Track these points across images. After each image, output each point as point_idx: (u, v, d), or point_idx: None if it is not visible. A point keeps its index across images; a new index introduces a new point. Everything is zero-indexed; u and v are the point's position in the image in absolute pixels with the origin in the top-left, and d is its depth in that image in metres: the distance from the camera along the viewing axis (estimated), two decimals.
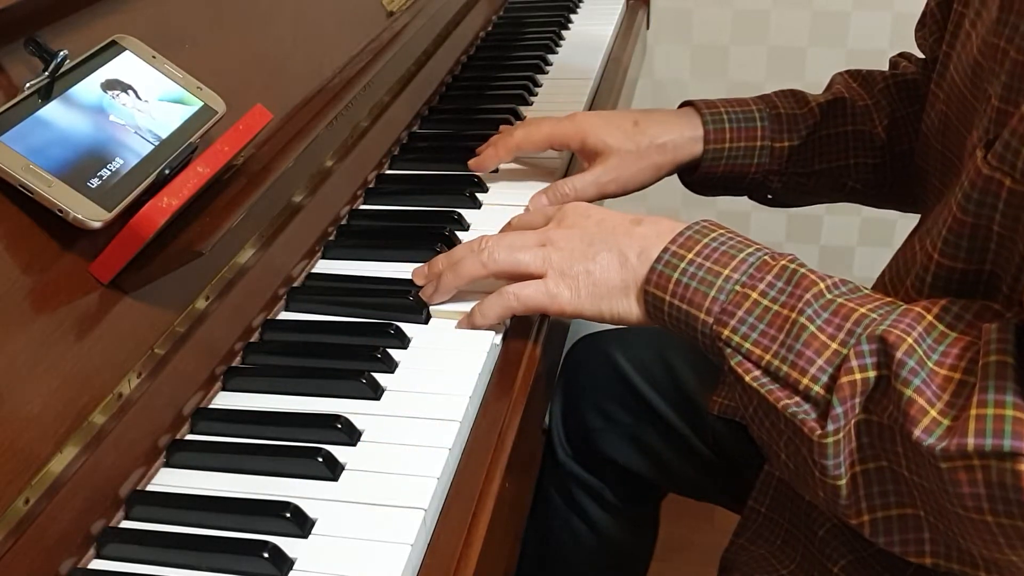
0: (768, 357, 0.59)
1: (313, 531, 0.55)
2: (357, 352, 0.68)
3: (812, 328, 0.58)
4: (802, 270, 0.61)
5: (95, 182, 0.57)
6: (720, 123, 0.88)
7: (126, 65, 0.64)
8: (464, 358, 0.67)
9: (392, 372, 0.66)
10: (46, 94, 0.58)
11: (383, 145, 0.94)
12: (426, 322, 0.72)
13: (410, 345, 0.69)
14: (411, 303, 0.72)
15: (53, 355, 0.54)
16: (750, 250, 0.64)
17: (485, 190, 0.89)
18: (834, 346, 0.57)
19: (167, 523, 0.56)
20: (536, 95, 1.10)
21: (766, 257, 0.63)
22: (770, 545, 0.76)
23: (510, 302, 0.68)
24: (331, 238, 0.82)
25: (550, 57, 1.20)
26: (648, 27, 1.47)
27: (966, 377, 0.53)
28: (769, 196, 0.94)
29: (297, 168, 0.73)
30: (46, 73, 0.58)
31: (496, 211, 0.86)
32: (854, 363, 0.55)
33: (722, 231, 0.67)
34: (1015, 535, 0.51)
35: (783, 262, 0.62)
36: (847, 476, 0.57)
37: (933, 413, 0.52)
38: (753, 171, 0.90)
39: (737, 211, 1.92)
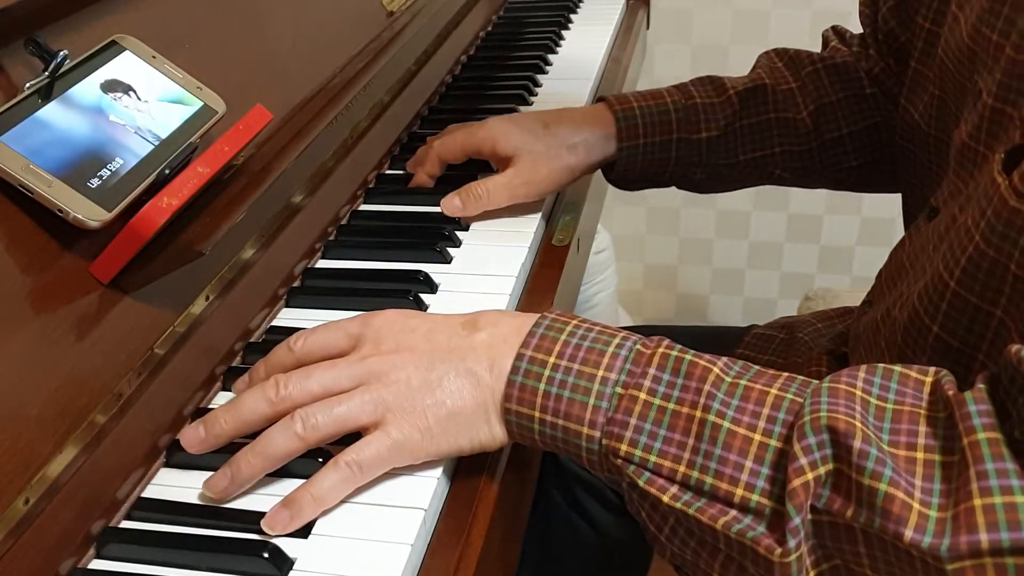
0: (682, 468, 0.51)
1: (313, 531, 0.54)
2: None
3: (726, 424, 0.51)
4: (687, 356, 0.54)
5: (95, 182, 0.57)
6: (632, 119, 0.87)
7: (126, 65, 0.64)
8: None
9: None
10: (46, 94, 0.58)
11: (383, 145, 0.94)
12: None
13: None
14: (411, 303, 0.72)
15: (53, 355, 0.54)
16: (616, 339, 0.56)
17: None
18: (757, 438, 0.50)
19: (167, 523, 0.56)
20: (536, 95, 1.10)
21: (638, 346, 0.55)
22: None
23: (351, 474, 0.54)
24: (331, 238, 0.82)
25: (550, 57, 1.20)
26: (648, 27, 1.47)
27: (930, 456, 0.48)
28: (696, 186, 0.93)
29: (297, 168, 0.73)
30: (46, 73, 0.58)
31: (496, 211, 0.85)
32: (803, 461, 0.48)
33: (575, 322, 0.58)
34: None
35: (661, 349, 0.55)
36: None
37: (916, 506, 0.46)
38: (672, 165, 0.89)
39: (738, 211, 1.92)
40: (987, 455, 0.45)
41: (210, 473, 0.58)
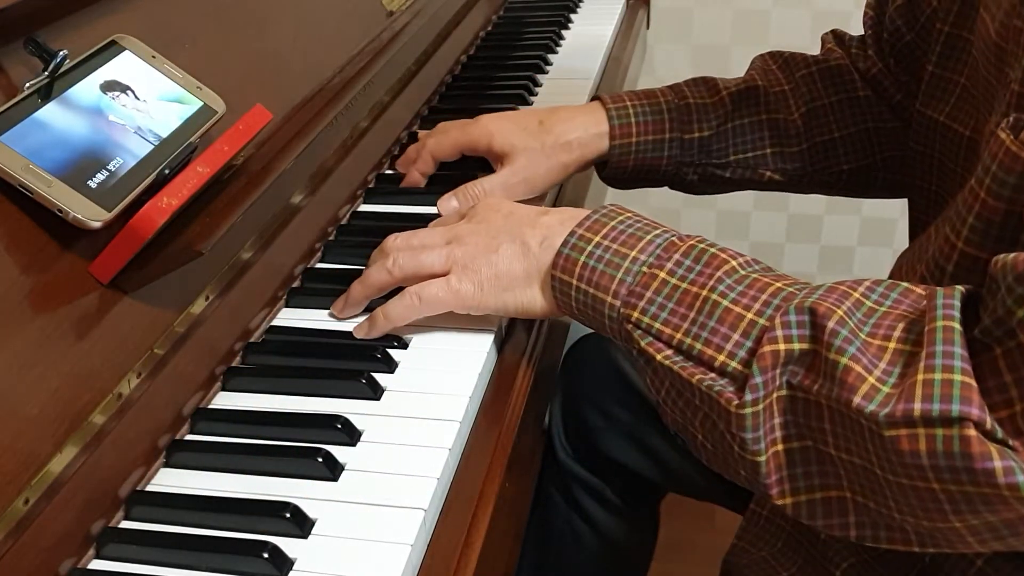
0: (679, 336, 0.58)
1: (313, 531, 0.54)
2: (357, 352, 0.68)
3: (725, 303, 0.57)
4: (712, 249, 0.60)
5: (95, 182, 0.57)
6: (626, 117, 0.88)
7: (126, 65, 0.64)
8: (464, 358, 0.67)
9: (392, 372, 0.66)
10: (46, 94, 0.58)
11: (383, 145, 0.94)
12: None
13: (410, 345, 0.69)
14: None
15: (53, 355, 0.54)
16: (657, 231, 0.63)
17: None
18: (749, 316, 0.55)
19: (167, 523, 0.56)
20: (536, 95, 1.10)
21: (674, 238, 0.62)
22: (772, 548, 0.76)
23: (412, 303, 0.67)
24: (331, 238, 0.82)
25: (550, 57, 1.20)
26: (648, 27, 1.47)
27: (901, 346, 0.52)
28: (689, 188, 0.94)
29: (297, 168, 0.73)
30: (46, 73, 0.58)
31: None
32: (779, 332, 0.53)
33: (629, 214, 0.65)
34: (962, 500, 0.49)
35: (691, 242, 0.61)
36: (768, 453, 0.55)
37: (872, 380, 0.50)
38: (665, 164, 0.90)
39: (738, 211, 1.92)
40: (939, 339, 0.49)
41: (210, 473, 0.59)
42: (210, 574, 0.53)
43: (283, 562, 0.52)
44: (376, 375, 0.65)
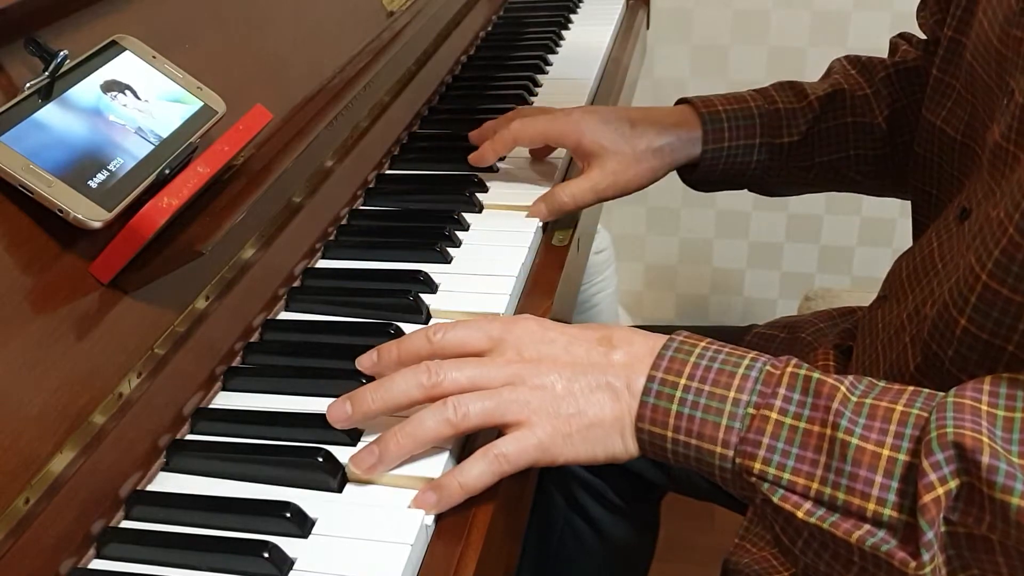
0: (816, 485, 0.53)
1: (313, 531, 0.54)
2: (357, 352, 0.67)
3: (855, 441, 0.52)
4: (815, 375, 0.56)
5: (95, 182, 0.57)
6: (718, 123, 0.88)
7: (126, 65, 0.64)
8: None
9: None
10: (46, 94, 0.58)
11: (383, 145, 0.94)
12: (426, 321, 0.72)
13: None
14: (411, 303, 0.72)
15: (53, 355, 0.54)
16: (745, 361, 0.57)
17: (485, 190, 0.89)
18: (886, 453, 0.52)
19: (167, 523, 0.56)
20: (536, 95, 1.10)
21: (768, 368, 0.57)
22: (774, 548, 0.76)
23: (501, 467, 0.57)
24: (331, 238, 0.82)
25: (550, 57, 1.20)
26: (648, 27, 1.47)
27: None
28: (768, 190, 0.94)
29: (297, 168, 0.73)
30: (46, 73, 0.58)
31: (496, 212, 0.86)
32: (932, 476, 0.50)
33: (704, 343, 0.59)
34: None
35: (789, 369, 0.56)
36: None
37: None
38: (752, 167, 0.90)
39: (737, 211, 1.93)
40: None
41: (208, 477, 0.58)
42: (210, 574, 0.53)
43: (283, 562, 0.52)
44: None
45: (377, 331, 0.70)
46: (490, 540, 0.56)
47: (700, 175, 0.90)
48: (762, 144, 0.89)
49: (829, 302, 1.28)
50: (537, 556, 1.01)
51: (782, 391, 0.55)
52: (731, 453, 0.55)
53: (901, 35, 0.95)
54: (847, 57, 0.95)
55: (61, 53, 0.59)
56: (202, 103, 0.67)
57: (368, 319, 0.72)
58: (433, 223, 0.83)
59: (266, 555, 0.52)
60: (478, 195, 0.87)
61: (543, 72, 1.16)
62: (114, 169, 0.59)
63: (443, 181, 0.90)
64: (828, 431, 0.53)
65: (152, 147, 0.62)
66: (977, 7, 0.69)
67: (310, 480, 0.58)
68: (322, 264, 0.80)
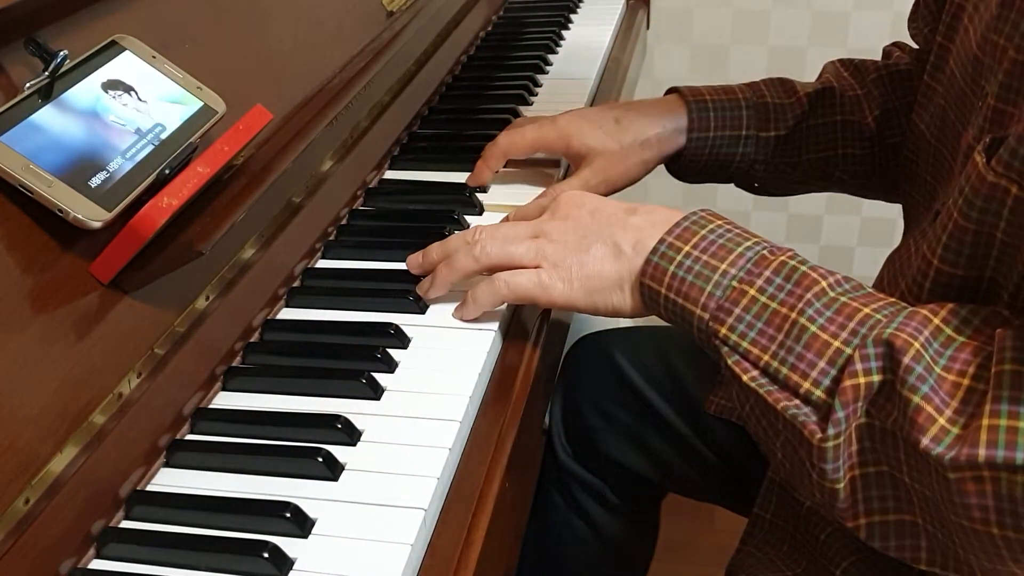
0: (767, 358, 0.58)
1: (313, 531, 0.55)
2: (357, 352, 0.68)
3: (813, 328, 0.57)
4: (803, 267, 0.60)
5: (95, 182, 0.57)
6: (705, 111, 0.88)
7: (126, 65, 0.64)
8: (464, 358, 0.67)
9: (392, 372, 0.66)
10: (46, 94, 0.58)
11: (383, 145, 0.94)
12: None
13: (410, 345, 0.69)
14: (411, 302, 0.72)
15: (53, 355, 0.54)
16: (748, 243, 0.63)
17: (485, 190, 0.89)
18: (836, 344, 0.56)
19: (167, 523, 0.56)
20: (536, 95, 1.10)
21: (764, 252, 0.62)
22: (777, 551, 0.76)
23: (501, 290, 0.68)
24: (331, 238, 0.82)
25: (550, 57, 1.20)
26: (648, 27, 1.47)
27: (975, 384, 0.52)
28: (755, 184, 0.94)
29: (297, 168, 0.73)
30: (46, 73, 0.58)
31: (497, 212, 0.86)
32: (858, 366, 0.54)
33: (720, 222, 0.65)
34: (1020, 548, 0.50)
35: (782, 257, 0.61)
36: (845, 479, 0.56)
37: (941, 421, 0.51)
38: (738, 160, 0.90)
39: (737, 211, 1.92)
40: (1006, 383, 0.50)
41: (210, 473, 0.59)
42: (210, 574, 0.53)
43: (283, 562, 0.52)
44: (376, 375, 0.65)
45: (377, 331, 0.70)
46: (490, 540, 0.56)
47: (685, 164, 0.90)
48: (748, 136, 0.89)
49: None
50: (537, 556, 1.01)
51: (767, 273, 0.60)
52: (707, 316, 0.61)
53: (895, 44, 0.95)
54: (840, 60, 0.95)
55: (61, 53, 0.59)
56: (202, 103, 0.67)
57: (368, 319, 0.72)
58: (433, 223, 0.83)
59: (266, 555, 0.52)
60: (478, 195, 0.87)
61: (543, 72, 1.16)
62: (114, 169, 0.59)
63: (443, 181, 0.90)
64: (793, 315, 0.58)
65: (152, 147, 0.62)
66: (964, 14, 0.69)
67: (310, 480, 0.58)
68: (322, 264, 0.80)
